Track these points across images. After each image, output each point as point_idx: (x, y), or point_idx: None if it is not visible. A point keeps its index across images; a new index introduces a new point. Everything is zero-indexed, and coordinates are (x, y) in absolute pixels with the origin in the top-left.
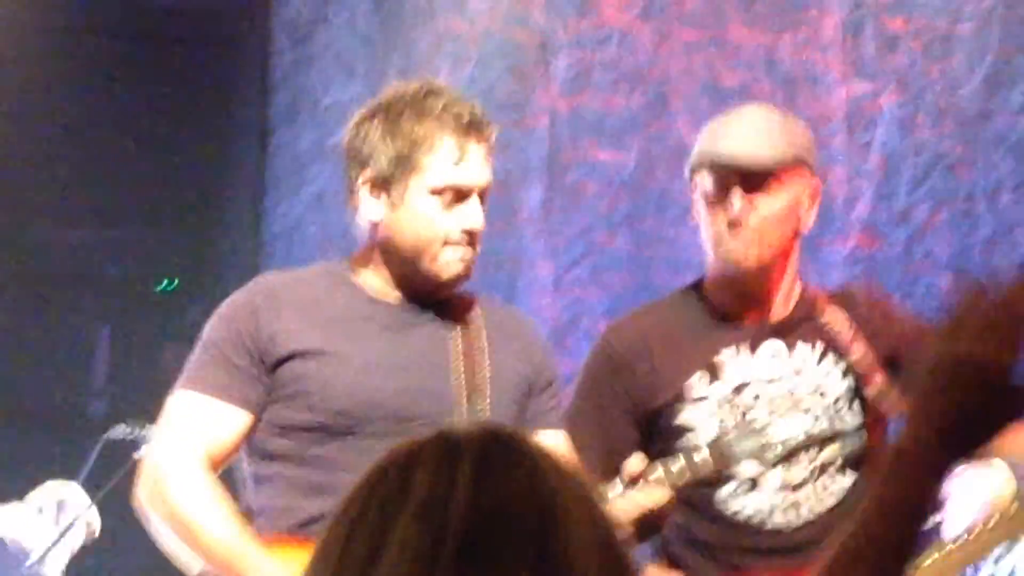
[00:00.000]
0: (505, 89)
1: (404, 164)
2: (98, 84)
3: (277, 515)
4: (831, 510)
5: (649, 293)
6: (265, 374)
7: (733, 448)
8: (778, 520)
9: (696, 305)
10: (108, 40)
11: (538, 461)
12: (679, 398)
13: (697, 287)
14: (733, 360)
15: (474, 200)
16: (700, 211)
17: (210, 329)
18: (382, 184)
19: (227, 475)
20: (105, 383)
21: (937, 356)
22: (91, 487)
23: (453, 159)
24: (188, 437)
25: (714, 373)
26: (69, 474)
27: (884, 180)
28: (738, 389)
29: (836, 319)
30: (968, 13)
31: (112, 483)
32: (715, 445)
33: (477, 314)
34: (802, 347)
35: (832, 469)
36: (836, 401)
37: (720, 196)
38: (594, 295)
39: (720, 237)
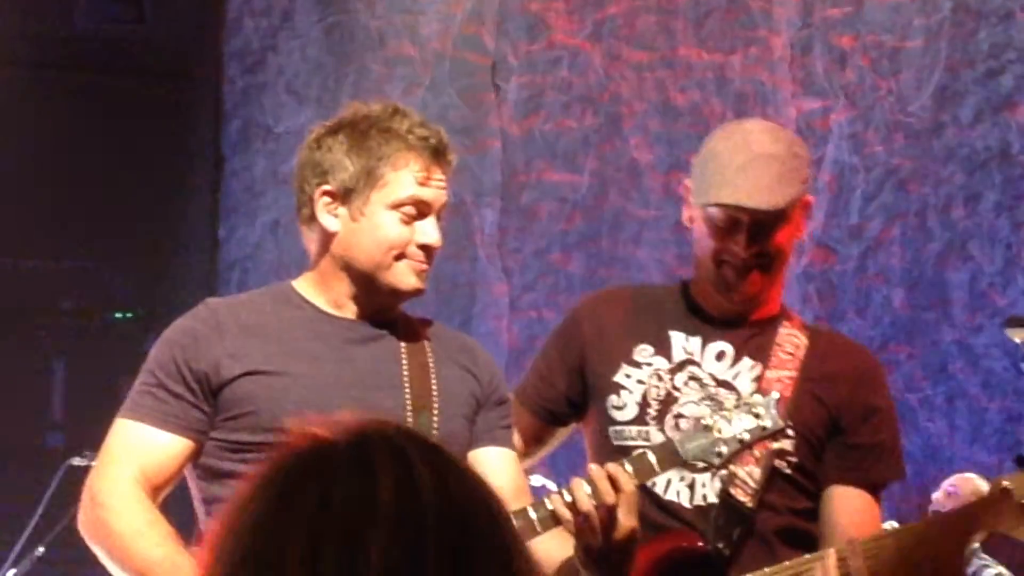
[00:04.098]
0: (457, 113)
1: (368, 178)
2: (51, 117)
3: None
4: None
5: None
6: (206, 400)
7: (682, 448)
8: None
9: (674, 296)
10: (60, 73)
11: (457, 461)
12: (621, 358)
13: (684, 284)
14: (682, 342)
15: (432, 218)
16: (701, 228)
17: (151, 356)
18: (342, 196)
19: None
20: (62, 415)
21: None
22: (52, 516)
23: (418, 177)
24: (124, 465)
25: (660, 347)
26: (29, 504)
27: (836, 196)
28: (677, 368)
29: (790, 344)
30: (916, 29)
31: (74, 511)
32: (662, 448)
33: (424, 335)
34: (746, 361)
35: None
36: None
37: (729, 231)
38: (550, 316)
39: (723, 273)
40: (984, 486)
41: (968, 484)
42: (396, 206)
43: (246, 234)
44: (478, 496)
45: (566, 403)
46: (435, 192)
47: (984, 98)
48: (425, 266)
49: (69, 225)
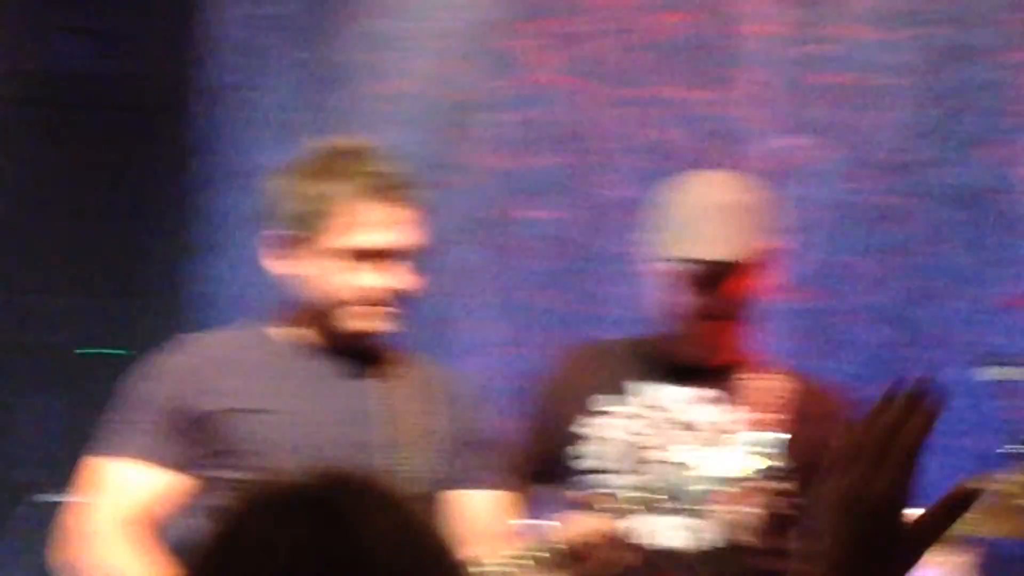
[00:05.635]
0: (428, 150)
1: (310, 224)
2: (16, 151)
3: None
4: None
5: None
6: (193, 434)
7: (660, 488)
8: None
9: (636, 347)
10: (26, 107)
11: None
12: (582, 410)
13: (646, 335)
14: (643, 389)
15: (386, 262)
16: (655, 280)
17: (131, 392)
18: (290, 241)
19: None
20: (29, 450)
21: (829, 491)
22: (18, 550)
23: (357, 222)
24: (108, 500)
25: (621, 396)
26: None
27: (805, 234)
28: (641, 414)
29: (760, 387)
30: (886, 66)
31: (42, 546)
32: (637, 490)
33: (407, 370)
34: (711, 406)
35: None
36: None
37: (682, 283)
38: (524, 354)
39: (679, 324)
40: None
41: None
42: (336, 254)
43: (211, 271)
44: (445, 554)
45: (539, 461)
46: (385, 235)
47: (956, 136)
48: (373, 309)
49: (34, 261)
